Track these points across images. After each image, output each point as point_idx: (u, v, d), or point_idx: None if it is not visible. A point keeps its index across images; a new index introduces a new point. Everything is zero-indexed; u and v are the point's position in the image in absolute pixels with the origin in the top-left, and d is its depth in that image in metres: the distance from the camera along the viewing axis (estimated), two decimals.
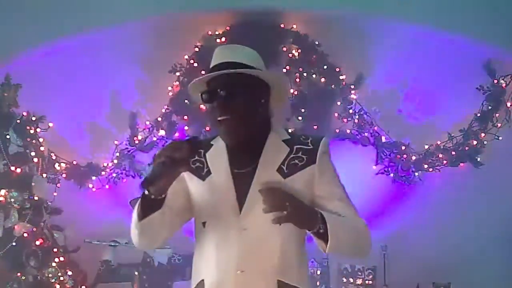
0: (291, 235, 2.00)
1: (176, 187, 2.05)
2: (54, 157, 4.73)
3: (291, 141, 2.05)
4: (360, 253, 2.14)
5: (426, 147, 4.82)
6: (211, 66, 2.04)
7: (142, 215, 1.92)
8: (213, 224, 1.99)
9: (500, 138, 4.75)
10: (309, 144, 2.05)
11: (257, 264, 1.94)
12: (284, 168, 1.99)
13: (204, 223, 2.01)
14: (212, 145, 2.11)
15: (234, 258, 1.94)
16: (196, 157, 2.07)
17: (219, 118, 1.97)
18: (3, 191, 4.25)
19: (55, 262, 4.33)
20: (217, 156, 2.06)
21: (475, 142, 4.74)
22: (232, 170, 2.01)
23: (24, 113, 4.53)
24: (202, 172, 2.05)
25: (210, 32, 4.88)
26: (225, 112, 1.96)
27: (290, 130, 2.19)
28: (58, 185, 4.72)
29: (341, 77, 4.83)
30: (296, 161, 2.01)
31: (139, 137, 4.83)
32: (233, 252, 1.94)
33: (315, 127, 4.73)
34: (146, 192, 1.87)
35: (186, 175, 2.07)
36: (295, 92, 4.82)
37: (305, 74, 4.83)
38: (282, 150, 2.03)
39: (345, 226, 2.00)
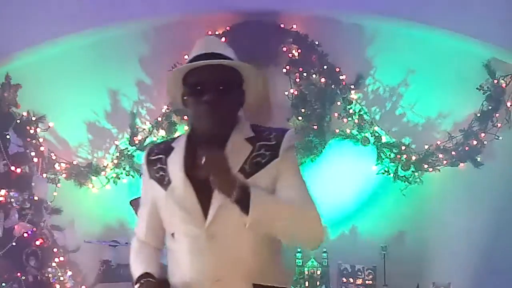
0: (260, 237, 1.93)
1: (152, 209, 2.06)
2: (54, 157, 4.73)
3: (254, 139, 1.98)
4: (303, 238, 1.98)
5: (426, 147, 4.81)
6: (196, 54, 1.98)
7: None
8: (181, 235, 1.94)
9: (500, 138, 4.75)
10: (272, 140, 1.98)
11: (232, 272, 1.90)
12: (247, 167, 1.92)
13: (173, 234, 1.98)
14: (173, 148, 2.03)
15: (208, 268, 1.90)
16: (159, 165, 2.02)
17: (208, 114, 1.91)
18: (3, 191, 4.26)
19: (55, 262, 4.34)
20: (175, 161, 1.99)
21: (475, 142, 4.74)
22: (190, 175, 1.92)
23: (24, 113, 4.54)
24: (164, 181, 1.99)
25: (210, 32, 4.88)
26: (213, 108, 1.90)
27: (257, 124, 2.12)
28: (58, 185, 4.72)
29: (341, 77, 4.83)
30: (259, 158, 1.95)
31: (139, 137, 4.82)
32: (206, 262, 1.90)
33: (315, 127, 4.73)
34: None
35: (154, 186, 2.02)
36: (295, 92, 4.83)
37: (305, 74, 4.82)
38: (244, 149, 1.96)
39: (278, 202, 1.89)
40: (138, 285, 1.98)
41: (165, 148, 2.05)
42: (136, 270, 2.06)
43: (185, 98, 2.02)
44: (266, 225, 1.85)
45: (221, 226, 1.90)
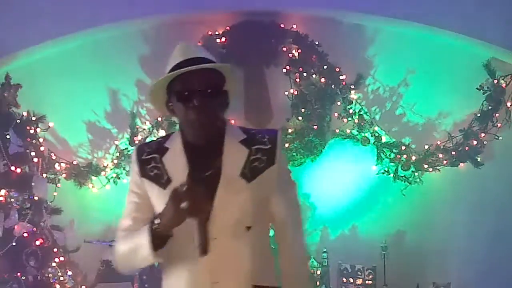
0: (259, 238, 2.00)
1: (140, 202, 2.03)
2: (54, 157, 4.73)
3: (249, 141, 2.02)
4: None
5: (426, 147, 4.81)
6: (177, 62, 2.00)
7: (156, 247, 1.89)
8: (181, 236, 1.92)
9: (500, 138, 4.75)
10: (267, 143, 2.03)
11: (231, 273, 1.93)
12: (247, 172, 1.97)
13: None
14: (167, 148, 2.04)
15: (207, 270, 1.91)
16: (153, 164, 2.02)
17: (199, 119, 1.93)
18: (3, 191, 4.26)
19: (55, 262, 4.33)
20: (175, 161, 2.00)
21: (475, 142, 4.74)
22: (193, 176, 1.93)
23: (24, 113, 4.54)
24: (162, 180, 1.99)
25: (210, 32, 4.88)
26: (204, 112, 1.92)
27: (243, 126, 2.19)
28: (58, 185, 4.72)
29: (341, 77, 4.83)
30: (256, 163, 1.99)
31: (139, 137, 4.82)
32: (205, 264, 1.91)
33: (315, 127, 4.73)
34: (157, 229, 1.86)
35: (147, 185, 2.02)
36: (295, 92, 4.83)
37: (305, 74, 4.82)
38: (241, 152, 2.00)
39: (302, 272, 2.15)
40: (158, 216, 1.90)
41: (158, 148, 2.06)
42: (141, 230, 1.94)
43: (170, 104, 2.02)
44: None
45: (222, 227, 1.92)
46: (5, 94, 4.47)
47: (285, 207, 2.06)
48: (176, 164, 1.99)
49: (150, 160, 2.04)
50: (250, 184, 1.96)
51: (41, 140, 4.62)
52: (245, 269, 1.95)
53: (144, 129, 4.85)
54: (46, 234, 4.40)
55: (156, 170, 2.01)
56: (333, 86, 4.82)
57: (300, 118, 4.76)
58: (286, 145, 4.69)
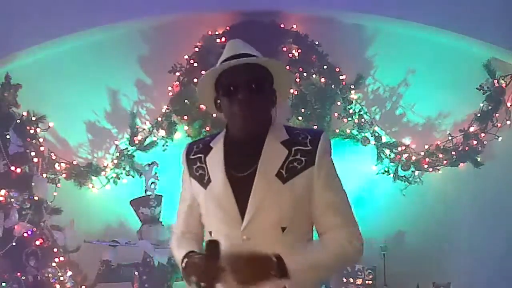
0: (295, 239, 1.98)
1: (192, 205, 2.10)
2: (54, 157, 4.73)
3: (290, 142, 2.01)
4: (344, 268, 2.14)
5: (426, 147, 4.81)
6: (227, 57, 2.01)
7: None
8: (218, 234, 1.97)
9: (500, 138, 4.75)
10: (308, 145, 2.00)
11: None
12: (284, 172, 1.96)
13: (210, 232, 2.03)
14: (212, 147, 2.07)
15: None
16: (198, 164, 2.06)
17: (243, 113, 1.94)
18: (3, 191, 4.26)
19: (55, 262, 4.34)
20: (215, 160, 2.03)
21: (475, 142, 4.74)
22: (229, 175, 1.98)
23: (24, 113, 4.54)
24: (204, 180, 2.04)
25: (210, 32, 4.88)
26: (247, 105, 1.94)
27: (290, 125, 2.16)
28: (58, 185, 4.72)
29: (341, 77, 4.83)
30: (295, 163, 1.98)
31: (139, 137, 4.82)
32: None
33: (315, 127, 4.73)
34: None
35: (193, 184, 2.07)
36: (295, 92, 4.83)
37: (305, 74, 4.82)
38: (280, 152, 1.99)
39: (317, 262, 1.94)
40: (184, 263, 1.97)
41: (204, 147, 2.09)
42: (180, 254, 2.05)
43: (218, 101, 2.05)
44: (310, 281, 1.94)
45: (257, 228, 1.93)
46: (5, 94, 4.48)
47: (331, 213, 2.01)
48: (216, 163, 2.02)
49: (196, 160, 2.08)
50: (286, 184, 1.95)
51: (41, 140, 4.62)
52: None
53: (144, 129, 4.86)
54: (46, 234, 4.40)
55: (201, 171, 2.05)
56: (333, 86, 4.82)
57: (300, 118, 4.76)
58: None
